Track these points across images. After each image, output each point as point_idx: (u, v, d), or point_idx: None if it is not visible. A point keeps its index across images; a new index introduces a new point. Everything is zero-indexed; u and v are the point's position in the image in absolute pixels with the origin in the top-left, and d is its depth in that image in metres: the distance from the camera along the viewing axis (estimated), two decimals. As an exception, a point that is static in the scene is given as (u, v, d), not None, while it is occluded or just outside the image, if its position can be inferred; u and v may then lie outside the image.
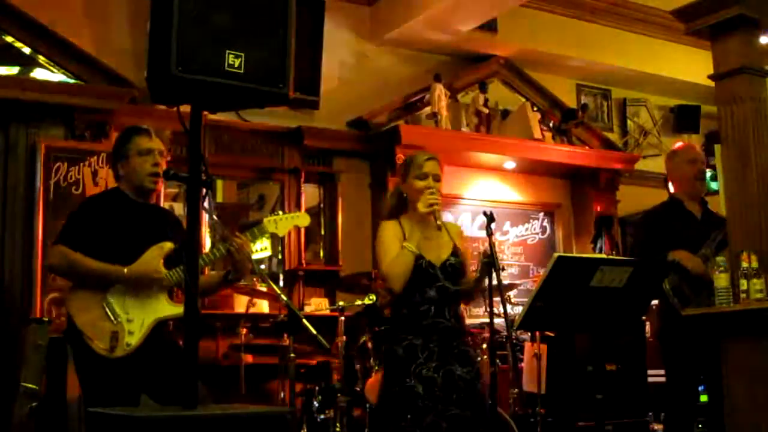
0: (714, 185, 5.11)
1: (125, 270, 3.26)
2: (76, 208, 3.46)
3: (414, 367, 3.38)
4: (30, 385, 4.83)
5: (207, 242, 5.95)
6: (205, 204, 2.43)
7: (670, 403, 4.34)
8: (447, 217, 7.00)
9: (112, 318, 3.24)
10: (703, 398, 4.49)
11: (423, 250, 3.49)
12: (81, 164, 5.74)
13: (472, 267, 3.78)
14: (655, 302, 4.46)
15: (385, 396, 3.49)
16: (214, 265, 3.48)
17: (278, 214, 3.61)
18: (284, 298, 4.28)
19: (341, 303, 5.18)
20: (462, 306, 3.69)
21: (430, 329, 3.45)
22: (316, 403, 5.01)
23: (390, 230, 3.56)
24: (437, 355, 3.41)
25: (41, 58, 5.88)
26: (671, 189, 4.71)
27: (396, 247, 3.47)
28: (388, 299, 4.98)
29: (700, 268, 4.18)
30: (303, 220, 3.70)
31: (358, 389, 4.91)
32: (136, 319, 3.27)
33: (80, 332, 3.22)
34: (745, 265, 3.84)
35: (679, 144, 5.02)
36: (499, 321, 4.39)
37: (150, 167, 3.37)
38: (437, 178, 3.59)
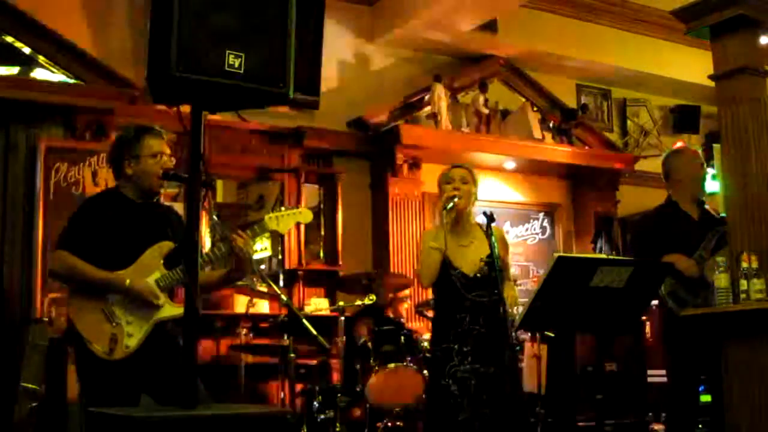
0: (714, 185, 5.10)
1: (126, 282, 3.25)
2: (75, 211, 3.45)
3: (449, 368, 3.65)
4: (30, 385, 4.83)
5: (207, 242, 5.94)
6: (205, 204, 2.43)
7: (672, 403, 4.33)
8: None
9: (112, 320, 3.24)
10: (706, 398, 4.49)
11: (456, 259, 3.74)
12: (81, 164, 5.74)
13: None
14: (655, 302, 4.46)
15: (429, 396, 3.83)
16: (214, 264, 3.48)
17: (280, 211, 3.56)
18: (284, 298, 4.28)
19: (341, 303, 5.18)
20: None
21: (465, 335, 3.70)
22: (316, 403, 5.01)
23: (429, 235, 3.87)
24: (471, 358, 3.66)
25: (41, 58, 5.88)
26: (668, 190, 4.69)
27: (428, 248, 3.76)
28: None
29: (694, 271, 4.17)
30: (305, 216, 3.66)
31: (358, 389, 4.91)
32: (136, 321, 3.27)
33: (80, 335, 3.22)
34: (745, 265, 3.84)
35: (679, 145, 5.00)
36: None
37: (159, 171, 3.36)
38: (464, 180, 3.85)
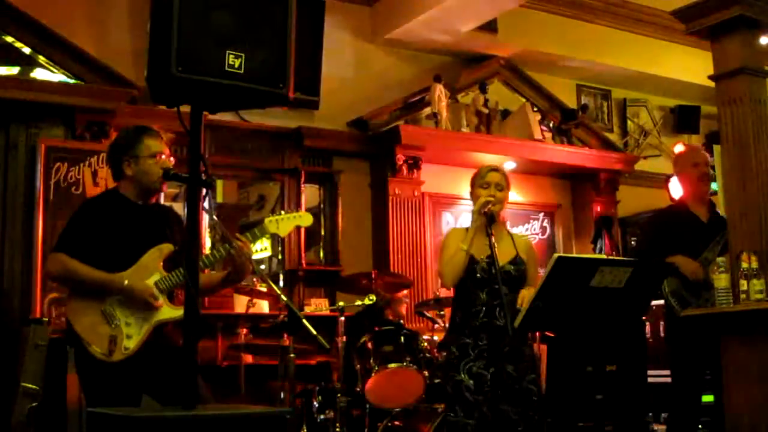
0: (714, 185, 5.10)
1: (125, 282, 3.25)
2: (74, 212, 3.44)
3: (464, 364, 3.61)
4: (30, 385, 4.83)
5: (207, 243, 5.95)
6: (205, 204, 2.43)
7: (674, 403, 4.33)
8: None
9: (110, 322, 3.24)
10: (708, 398, 4.49)
11: (481, 255, 3.66)
12: (81, 164, 5.74)
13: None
14: (660, 302, 4.46)
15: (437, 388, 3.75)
16: (214, 266, 3.47)
17: (280, 214, 3.56)
18: (284, 298, 4.27)
19: (341, 303, 5.17)
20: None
21: (480, 329, 3.65)
22: (316, 404, 5.01)
23: (454, 235, 3.82)
24: (487, 353, 3.61)
25: (41, 58, 5.88)
26: (679, 191, 4.70)
27: (455, 248, 3.70)
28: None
29: (697, 273, 4.17)
30: (305, 220, 3.66)
31: (358, 389, 4.91)
32: (135, 323, 3.26)
33: (79, 337, 3.22)
34: (745, 265, 3.85)
35: (683, 147, 5.01)
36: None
37: (159, 171, 3.35)
38: (500, 187, 3.78)
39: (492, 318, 3.65)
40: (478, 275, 3.66)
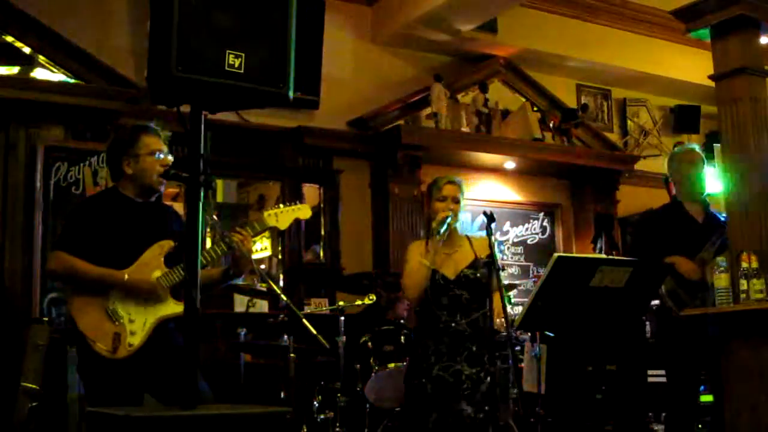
0: (714, 185, 5.09)
1: (125, 277, 3.25)
2: (73, 209, 3.44)
3: (425, 366, 3.69)
4: (30, 385, 4.83)
5: (207, 244, 5.94)
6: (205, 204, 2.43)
7: (671, 403, 4.33)
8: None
9: (114, 319, 3.23)
10: (707, 398, 4.49)
11: (442, 265, 3.79)
12: (81, 164, 5.74)
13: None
14: (654, 302, 4.45)
15: (406, 394, 3.84)
16: (215, 263, 3.47)
17: (278, 207, 3.58)
18: (284, 298, 4.27)
19: (341, 303, 5.18)
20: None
21: (441, 332, 3.74)
22: (316, 403, 5.01)
23: (415, 249, 3.89)
24: (447, 356, 3.70)
25: (41, 58, 5.88)
26: (673, 191, 4.68)
27: (416, 262, 3.80)
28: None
29: (695, 274, 4.16)
30: (304, 212, 3.66)
31: (358, 389, 4.91)
32: (138, 320, 3.26)
33: (82, 335, 3.21)
34: (745, 265, 3.85)
35: (679, 146, 4.99)
36: (499, 321, 4.40)
37: (159, 168, 3.35)
38: (456, 200, 3.86)
39: (452, 321, 3.75)
40: (440, 282, 3.76)
